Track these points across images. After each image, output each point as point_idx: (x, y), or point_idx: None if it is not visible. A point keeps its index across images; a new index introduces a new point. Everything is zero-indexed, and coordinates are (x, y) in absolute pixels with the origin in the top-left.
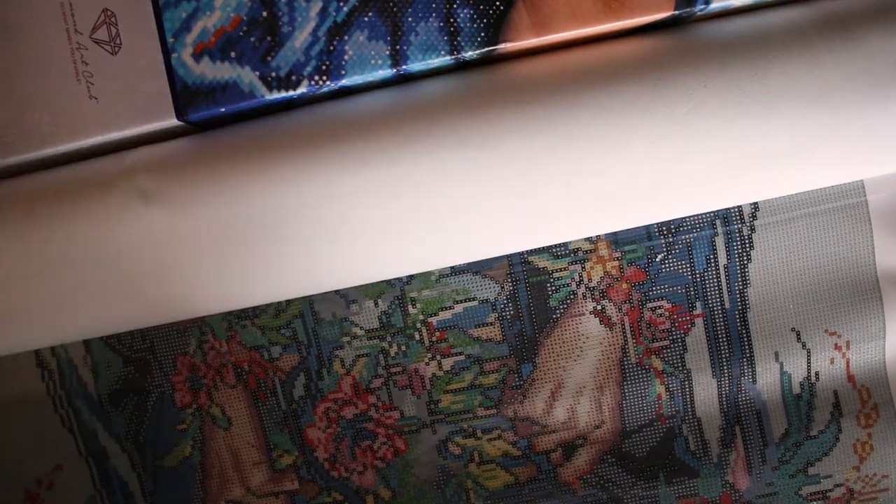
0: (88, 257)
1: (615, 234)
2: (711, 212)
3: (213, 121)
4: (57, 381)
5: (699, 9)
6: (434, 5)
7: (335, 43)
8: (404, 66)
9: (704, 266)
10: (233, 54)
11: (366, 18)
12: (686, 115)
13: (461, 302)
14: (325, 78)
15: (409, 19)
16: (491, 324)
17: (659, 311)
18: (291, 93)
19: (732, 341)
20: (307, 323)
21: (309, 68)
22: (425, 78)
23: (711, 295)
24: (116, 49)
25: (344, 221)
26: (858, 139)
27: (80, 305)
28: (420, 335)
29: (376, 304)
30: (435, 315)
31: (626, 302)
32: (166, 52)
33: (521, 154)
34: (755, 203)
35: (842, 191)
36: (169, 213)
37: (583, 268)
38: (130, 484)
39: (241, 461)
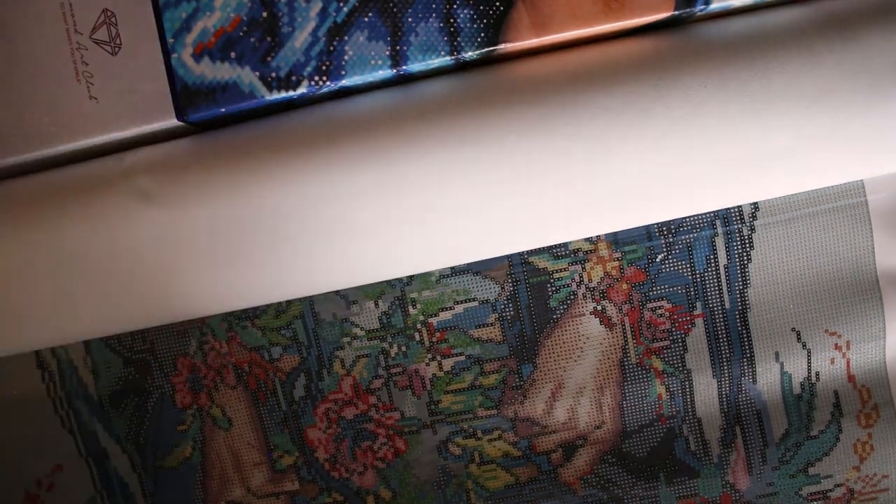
0: (89, 258)
1: (615, 234)
2: (711, 212)
3: (213, 121)
4: (57, 381)
5: (699, 9)
6: (434, 5)
7: (335, 43)
8: (404, 67)
9: (704, 266)
10: (233, 54)
11: (366, 19)
12: (686, 115)
13: (461, 302)
14: (325, 78)
15: (409, 20)
16: (491, 324)
17: (659, 311)
18: (291, 93)
19: (733, 341)
20: (307, 324)
21: (309, 69)
22: (425, 78)
23: (712, 295)
24: (116, 49)
25: (344, 222)
26: (858, 139)
27: (80, 306)
28: (420, 336)
29: (376, 304)
30: (435, 316)
31: (626, 302)
32: (166, 52)
33: (520, 154)
34: (755, 203)
35: (842, 191)
36: (169, 214)
37: (583, 268)
38: (131, 485)
39: (241, 462)
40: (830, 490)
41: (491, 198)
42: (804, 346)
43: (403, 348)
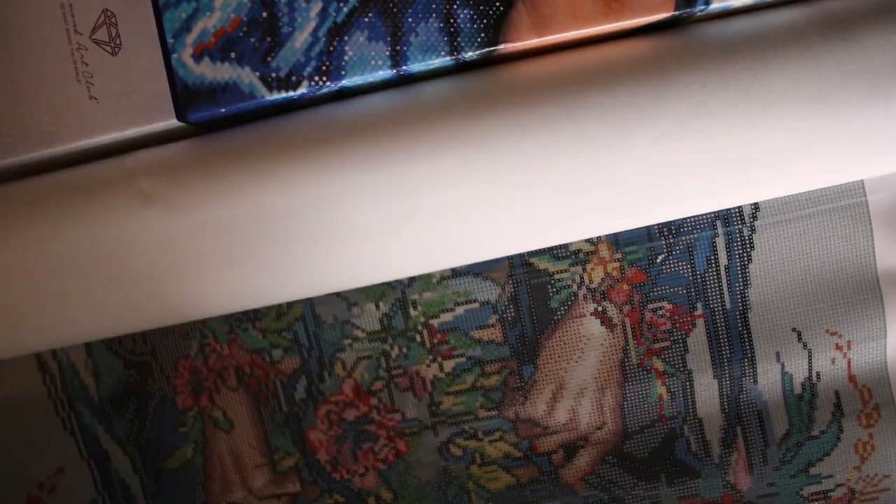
0: (90, 260)
1: (616, 235)
2: (712, 212)
3: (213, 121)
4: (58, 384)
5: (699, 9)
6: (434, 6)
7: (335, 43)
8: (404, 67)
9: (705, 267)
10: (233, 55)
11: (366, 19)
12: (685, 115)
13: (462, 304)
14: (325, 78)
15: (409, 20)
16: (492, 325)
17: (660, 311)
18: (291, 93)
19: (733, 342)
20: (308, 326)
21: (309, 69)
22: (425, 79)
23: (712, 295)
24: (116, 49)
25: (344, 223)
26: (858, 139)
27: (81, 308)
28: (421, 337)
29: (377, 306)
30: (436, 317)
31: (627, 303)
32: (166, 52)
33: (521, 155)
34: (755, 203)
35: (842, 191)
36: (170, 216)
37: (584, 269)
38: (132, 487)
39: (242, 463)
40: (831, 490)
41: (491, 199)
42: (805, 346)
43: (404, 350)
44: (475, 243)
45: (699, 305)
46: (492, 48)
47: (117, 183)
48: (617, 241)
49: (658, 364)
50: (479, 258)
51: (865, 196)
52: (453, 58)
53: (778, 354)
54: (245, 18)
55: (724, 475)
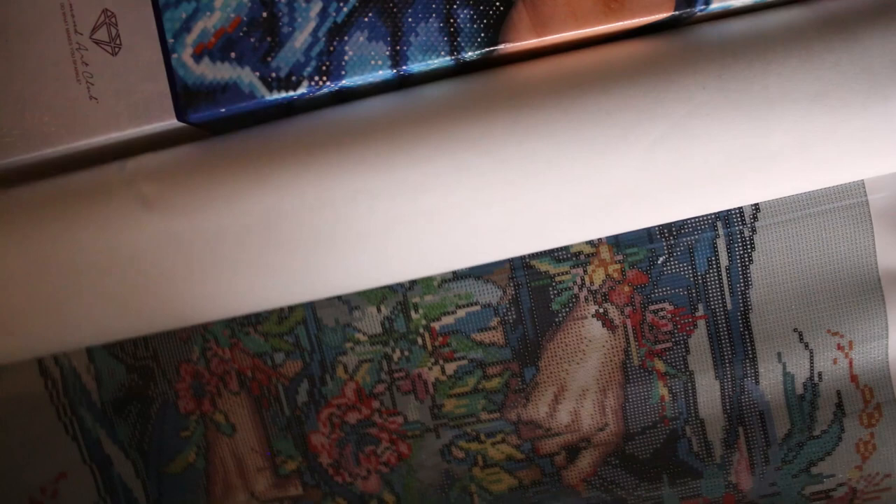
0: (91, 264)
1: (616, 236)
2: (712, 213)
3: (213, 121)
4: (60, 389)
5: (699, 9)
6: (434, 6)
7: (335, 43)
8: (404, 67)
9: (706, 268)
10: (233, 55)
11: (366, 19)
12: (685, 117)
13: (463, 307)
14: (325, 78)
15: (409, 20)
16: (493, 328)
17: (661, 313)
18: (291, 93)
19: (735, 342)
20: (310, 329)
21: (309, 69)
22: (425, 79)
23: (713, 296)
24: (116, 49)
25: (345, 227)
26: (858, 139)
27: (83, 313)
28: (423, 340)
29: (379, 309)
30: (437, 320)
31: (628, 304)
32: (166, 52)
33: (521, 158)
34: (756, 204)
35: (842, 191)
36: (171, 220)
37: (585, 271)
38: (134, 491)
39: (244, 467)
40: (833, 489)
41: (492, 202)
42: (806, 346)
43: (406, 353)
44: (476, 246)
45: (700, 306)
46: (492, 48)
47: (118, 188)
48: (618, 242)
49: (660, 365)
50: (481, 261)
51: (866, 196)
52: (453, 58)
53: (779, 355)
54: (245, 18)
55: (727, 475)
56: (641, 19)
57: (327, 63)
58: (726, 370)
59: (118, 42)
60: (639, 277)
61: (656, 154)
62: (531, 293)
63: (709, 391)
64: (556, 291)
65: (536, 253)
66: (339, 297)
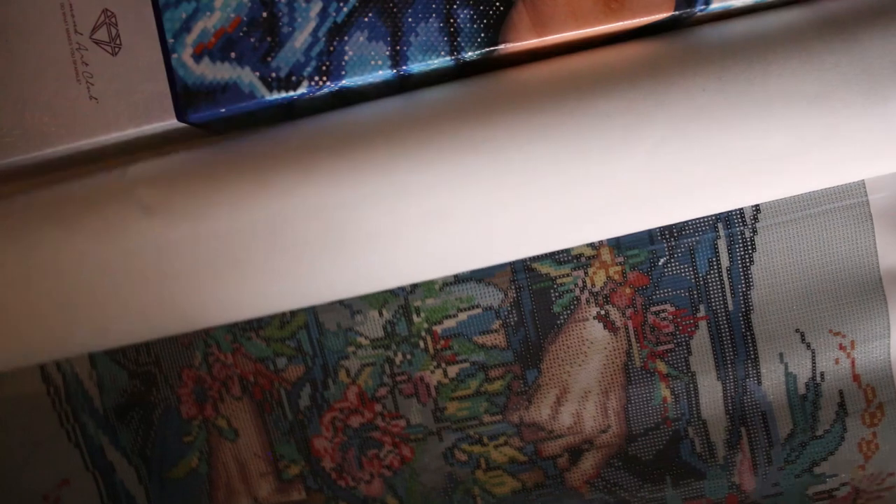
0: (92, 271)
1: (617, 238)
2: (713, 215)
3: (213, 121)
4: (62, 395)
5: (699, 9)
6: (434, 6)
7: (335, 43)
8: (404, 67)
9: (707, 269)
10: (233, 55)
11: (366, 19)
12: (686, 119)
13: (465, 310)
14: (325, 78)
15: (409, 20)
16: (495, 331)
17: (662, 314)
18: (291, 93)
19: (737, 343)
20: (312, 334)
21: (309, 69)
22: (425, 79)
23: (715, 297)
24: (116, 49)
25: (347, 232)
26: (859, 140)
27: (85, 319)
28: (425, 343)
29: (380, 313)
30: (439, 323)
31: (629, 306)
32: (166, 52)
33: (522, 161)
34: (756, 205)
35: (843, 191)
36: (171, 226)
37: (586, 273)
38: (138, 497)
39: (247, 472)
40: (836, 489)
41: (493, 205)
42: (808, 346)
43: (408, 356)
44: (478, 249)
45: (702, 307)
46: (492, 48)
47: (119, 194)
48: (619, 244)
49: (661, 367)
50: (483, 264)
51: (867, 196)
52: (453, 58)
53: (781, 355)
54: (245, 18)
55: (730, 476)
56: (641, 19)
57: (327, 63)
58: (728, 371)
59: (118, 42)
60: (640, 279)
61: (657, 156)
62: (532, 296)
63: (711, 392)
64: (557, 294)
65: (537, 255)
66: (340, 302)
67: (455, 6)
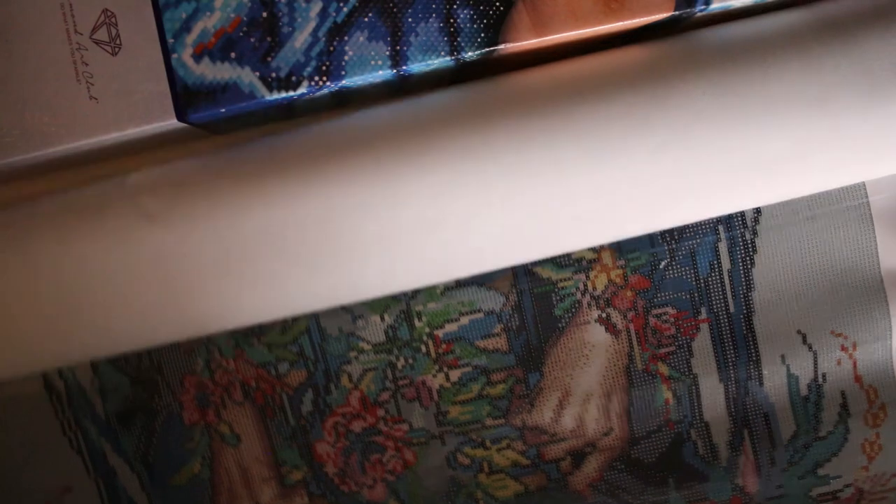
0: (94, 279)
1: (618, 241)
2: (714, 217)
3: (213, 122)
4: (65, 403)
5: (699, 9)
6: (434, 6)
7: (335, 43)
8: (404, 67)
9: (708, 271)
10: (233, 55)
11: (366, 19)
12: (686, 123)
13: (467, 314)
14: (325, 78)
15: (409, 20)
16: (497, 335)
17: (664, 317)
18: (291, 93)
19: (738, 345)
20: (314, 339)
21: (309, 69)
22: (425, 79)
23: (716, 300)
24: (116, 49)
25: (348, 237)
26: (859, 142)
27: (87, 327)
28: (427, 348)
29: (382, 318)
30: (441, 328)
31: (631, 309)
32: (166, 52)
33: (523, 166)
34: (757, 207)
35: (843, 193)
36: (173, 233)
37: (587, 277)
38: None
39: (250, 477)
40: (840, 490)
41: (494, 210)
42: (810, 348)
43: (410, 361)
44: (480, 254)
45: (703, 310)
46: (492, 48)
47: (120, 202)
48: (620, 247)
49: (663, 369)
50: (484, 269)
51: (867, 197)
52: (453, 58)
53: (783, 357)
54: (245, 18)
55: (733, 478)
56: (642, 19)
57: (327, 63)
58: (730, 373)
59: (118, 42)
60: (641, 282)
61: (658, 160)
62: (534, 299)
63: (713, 394)
64: (558, 297)
65: (539, 259)
66: (342, 307)
67: (455, 6)
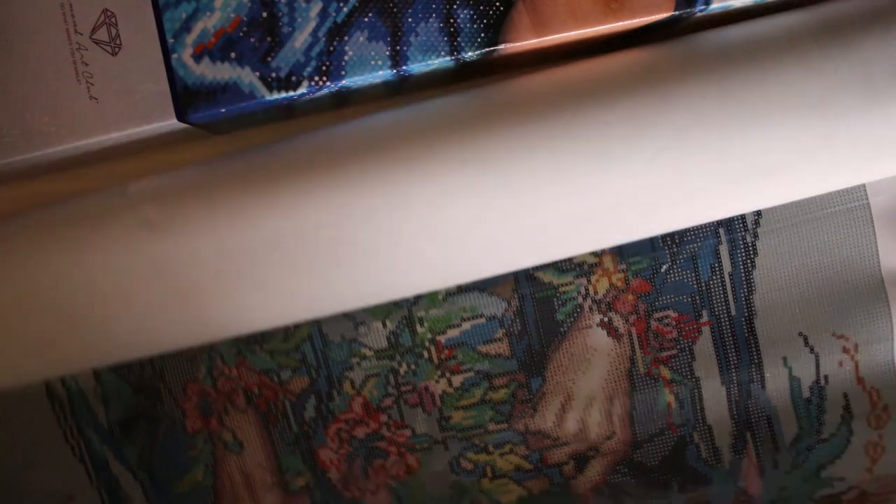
0: (96, 287)
1: (620, 246)
2: (714, 221)
3: (213, 122)
4: (67, 411)
5: (699, 9)
6: (434, 6)
7: (335, 43)
8: (404, 67)
9: (709, 274)
10: (233, 55)
11: (366, 19)
12: (686, 127)
13: (468, 319)
14: (325, 78)
15: (409, 20)
16: (499, 339)
17: (666, 320)
18: (291, 93)
19: (740, 348)
20: (316, 345)
21: (309, 69)
22: (425, 79)
23: (717, 303)
24: (116, 49)
25: (349, 244)
26: (858, 144)
27: (89, 335)
28: (429, 353)
29: (384, 324)
30: (443, 333)
31: (632, 313)
32: (166, 52)
33: (523, 172)
34: (758, 210)
35: (844, 194)
36: (174, 242)
37: (588, 281)
38: None
39: (253, 484)
40: (843, 492)
41: (495, 216)
42: (812, 350)
43: (412, 366)
44: (482, 260)
45: (705, 313)
46: (492, 48)
47: (121, 211)
48: (621, 251)
49: (665, 372)
50: (486, 274)
51: (867, 199)
52: (453, 58)
53: (785, 359)
54: (245, 18)
55: (736, 481)
56: (642, 19)
57: (327, 63)
58: (732, 376)
59: (118, 42)
60: (642, 286)
61: (658, 165)
62: (536, 304)
63: (715, 397)
64: (560, 302)
65: (540, 264)
66: (344, 313)
67: (455, 6)
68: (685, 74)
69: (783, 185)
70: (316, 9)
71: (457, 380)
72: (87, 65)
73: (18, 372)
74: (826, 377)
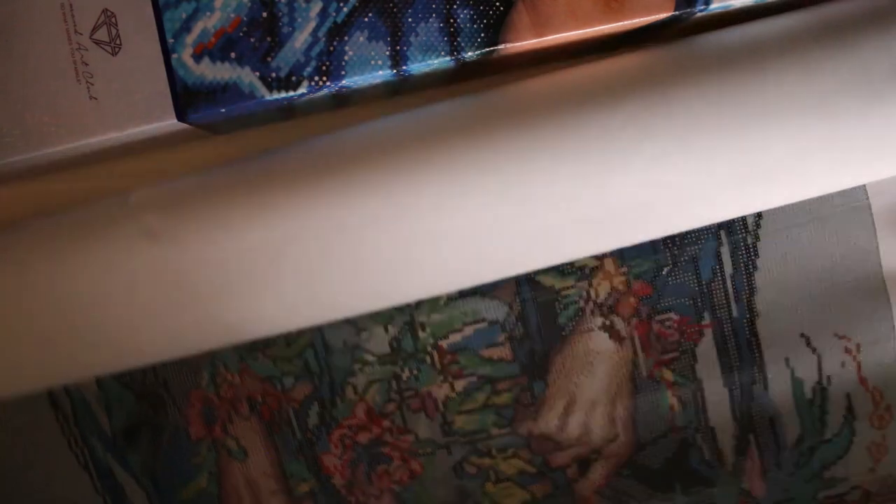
0: (97, 297)
1: (621, 249)
2: (715, 223)
3: (213, 122)
4: (71, 420)
5: (699, 9)
6: (434, 5)
7: (335, 43)
8: (404, 67)
9: (711, 277)
10: (233, 55)
11: (366, 19)
12: (686, 129)
13: (471, 324)
14: (325, 78)
15: (409, 20)
16: (501, 344)
17: (667, 323)
18: (291, 93)
19: (742, 349)
20: (318, 352)
21: (309, 69)
22: (425, 79)
23: (719, 305)
24: (116, 49)
25: (351, 250)
26: (859, 145)
27: (91, 344)
28: (431, 359)
29: (386, 330)
30: (445, 338)
31: (634, 316)
32: (166, 52)
33: (523, 176)
34: (759, 212)
35: (844, 195)
36: (176, 250)
37: (590, 284)
38: None
39: (258, 491)
40: (847, 493)
41: (496, 220)
42: (814, 350)
43: (415, 372)
44: (482, 265)
45: (706, 315)
46: (492, 48)
47: (122, 220)
48: (622, 254)
49: (668, 375)
50: (487, 279)
51: (868, 199)
52: (453, 58)
53: (787, 360)
54: (245, 18)
55: (739, 483)
56: (642, 19)
57: (327, 63)
58: (734, 377)
59: (118, 42)
60: (644, 288)
61: (658, 167)
62: (537, 308)
63: (718, 399)
64: (561, 305)
65: (541, 268)
66: (346, 319)
67: (455, 6)
68: (685, 77)
69: (784, 186)
70: (316, 9)
71: (459, 384)
72: (87, 65)
73: (21, 381)
74: (828, 378)
